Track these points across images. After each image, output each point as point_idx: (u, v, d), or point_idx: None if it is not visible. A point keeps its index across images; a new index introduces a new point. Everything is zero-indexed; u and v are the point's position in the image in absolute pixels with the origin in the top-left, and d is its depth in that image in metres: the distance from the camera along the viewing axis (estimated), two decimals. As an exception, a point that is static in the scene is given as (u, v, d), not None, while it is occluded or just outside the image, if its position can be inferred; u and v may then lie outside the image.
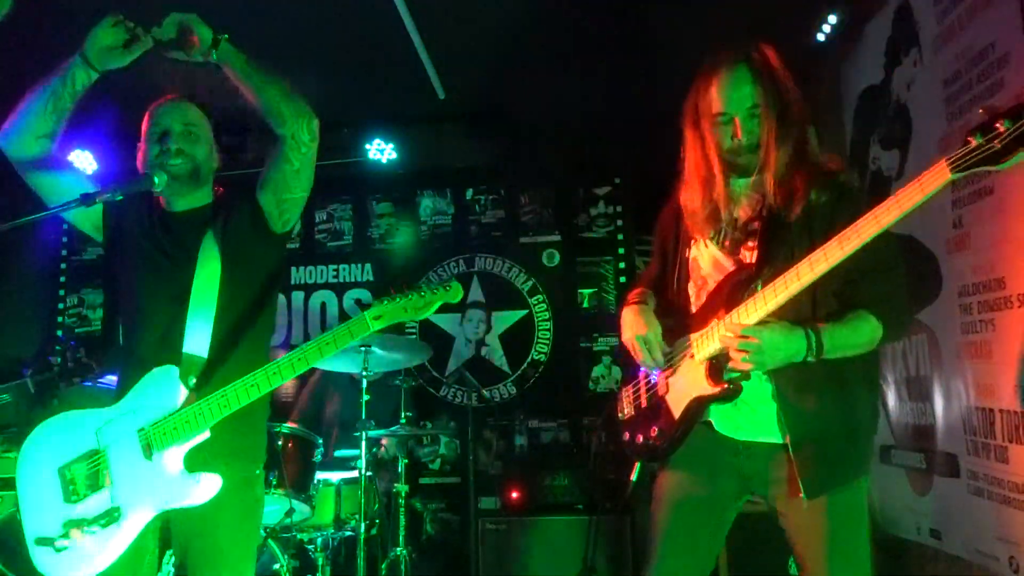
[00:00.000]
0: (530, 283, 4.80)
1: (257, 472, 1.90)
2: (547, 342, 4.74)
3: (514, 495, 4.03)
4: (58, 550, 1.70)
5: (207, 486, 1.72)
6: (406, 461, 3.62)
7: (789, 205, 1.63)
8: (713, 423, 1.71)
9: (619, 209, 4.83)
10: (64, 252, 5.09)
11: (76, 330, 4.94)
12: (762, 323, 1.55)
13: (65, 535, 1.70)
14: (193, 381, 1.75)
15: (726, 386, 1.62)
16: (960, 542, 2.47)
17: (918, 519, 2.78)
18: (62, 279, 5.07)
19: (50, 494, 1.75)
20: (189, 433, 1.71)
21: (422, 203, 4.98)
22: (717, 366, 1.64)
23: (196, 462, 1.73)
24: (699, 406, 1.67)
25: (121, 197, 1.79)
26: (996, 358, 2.22)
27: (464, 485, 4.55)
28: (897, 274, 1.64)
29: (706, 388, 1.65)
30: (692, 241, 1.81)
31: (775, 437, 1.64)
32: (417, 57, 3.85)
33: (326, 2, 3.45)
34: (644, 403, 1.81)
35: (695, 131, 1.75)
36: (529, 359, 4.74)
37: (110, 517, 1.70)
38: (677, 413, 1.70)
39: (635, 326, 1.79)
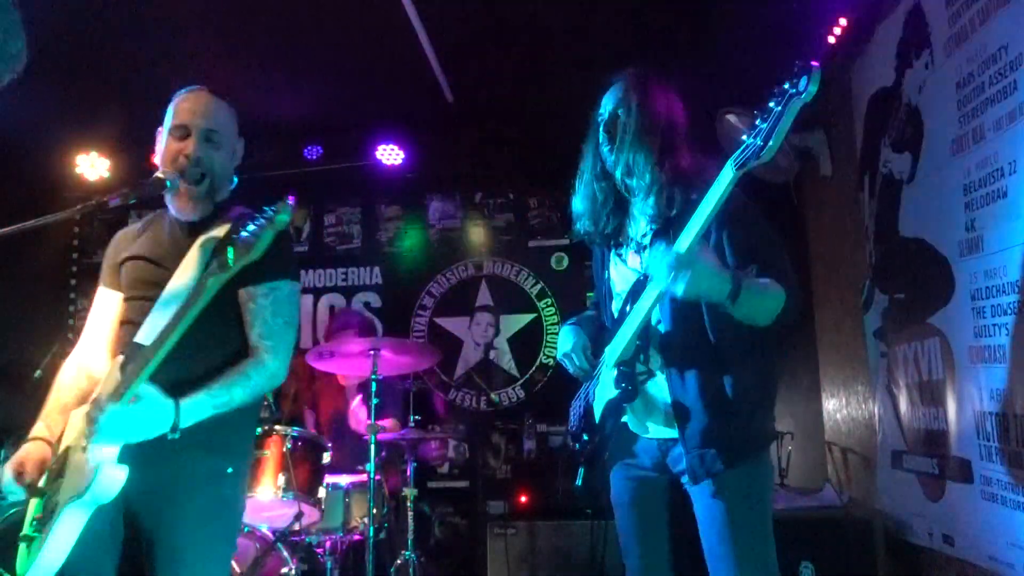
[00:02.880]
0: (539, 287, 4.80)
1: (228, 470, 1.75)
2: (555, 346, 4.73)
3: (523, 499, 4.02)
4: (27, 546, 1.65)
5: (110, 477, 1.57)
6: (415, 464, 3.61)
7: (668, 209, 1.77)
8: (628, 424, 1.86)
9: (628, 212, 4.82)
10: (75, 255, 5.12)
11: (86, 333, 4.96)
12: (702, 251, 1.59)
13: (34, 531, 1.65)
14: (126, 370, 1.63)
15: (623, 387, 1.77)
16: (973, 548, 2.45)
17: (930, 525, 2.76)
18: (72, 281, 5.10)
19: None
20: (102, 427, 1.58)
21: (431, 206, 4.99)
22: (622, 371, 1.78)
23: (153, 452, 1.60)
24: (613, 408, 1.82)
25: (134, 201, 1.79)
26: (1010, 362, 2.20)
27: (473, 489, 4.55)
28: (784, 257, 1.73)
29: (612, 392, 1.80)
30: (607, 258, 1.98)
31: (672, 432, 1.76)
32: (426, 60, 3.86)
33: (336, 6, 3.46)
34: (581, 412, 1.96)
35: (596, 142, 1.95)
36: (537, 363, 4.73)
37: (50, 516, 1.62)
38: (598, 417, 1.86)
39: (562, 344, 1.97)
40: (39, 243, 4.85)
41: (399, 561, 3.49)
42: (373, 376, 3.24)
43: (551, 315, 4.77)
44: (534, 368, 4.73)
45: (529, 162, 4.79)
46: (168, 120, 1.87)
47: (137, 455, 1.61)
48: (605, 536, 3.82)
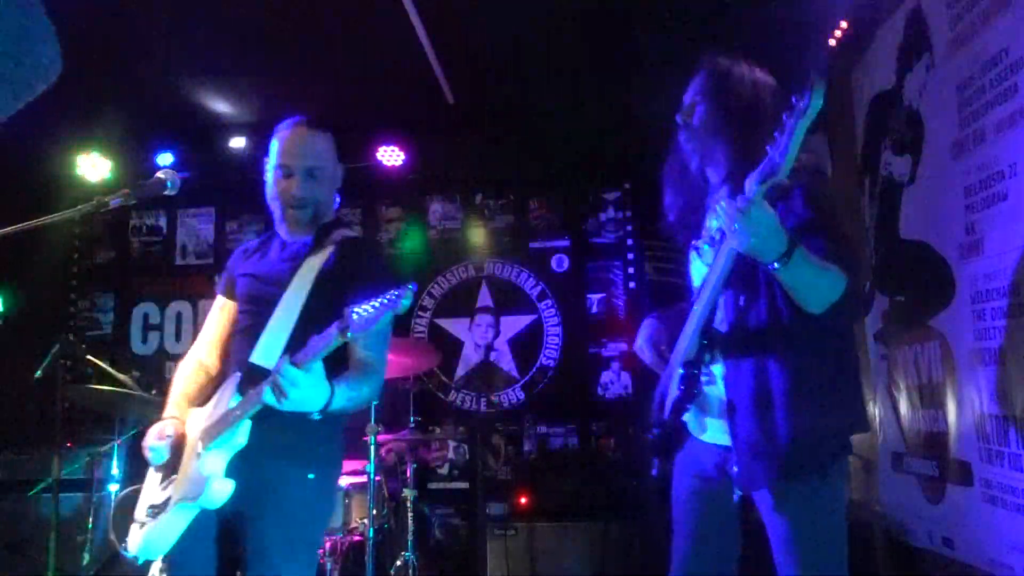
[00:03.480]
0: (539, 288, 4.80)
1: (310, 476, 1.87)
2: (556, 347, 4.74)
3: (522, 501, 4.02)
4: (139, 526, 1.89)
5: (218, 490, 1.75)
6: (415, 465, 3.61)
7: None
8: (693, 429, 1.84)
9: (628, 214, 4.83)
10: (75, 255, 5.13)
11: (87, 333, 4.97)
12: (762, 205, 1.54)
13: (148, 517, 1.87)
14: (244, 390, 1.80)
15: (683, 388, 1.74)
16: (973, 551, 2.45)
17: (930, 527, 2.76)
18: (73, 282, 5.10)
19: (152, 482, 1.95)
20: (228, 438, 1.77)
21: (431, 208, 4.99)
22: (686, 371, 1.75)
23: (246, 460, 1.78)
24: (675, 407, 1.80)
25: (135, 201, 1.80)
26: (1010, 365, 2.20)
27: (472, 490, 4.55)
28: (852, 253, 1.67)
29: (675, 391, 1.78)
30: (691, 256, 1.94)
31: (726, 440, 1.74)
32: (427, 62, 3.86)
33: (337, 7, 3.47)
34: (656, 405, 1.93)
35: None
36: (538, 364, 4.73)
37: (163, 508, 1.82)
38: (667, 413, 1.83)
39: (640, 336, 1.96)
40: (40, 243, 4.85)
41: (399, 562, 3.48)
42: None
43: (551, 316, 4.76)
44: (534, 370, 4.73)
45: (530, 164, 4.80)
46: (272, 156, 2.05)
47: (231, 462, 1.79)
48: (604, 538, 3.82)
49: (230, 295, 2.10)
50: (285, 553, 1.81)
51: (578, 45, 3.83)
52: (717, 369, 1.77)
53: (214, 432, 1.79)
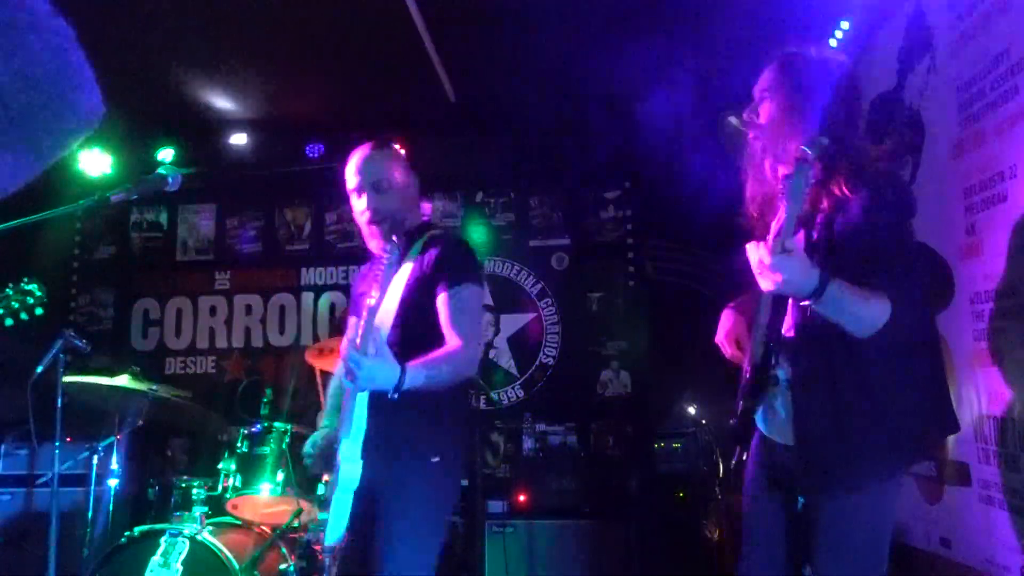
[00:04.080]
0: (539, 286, 4.81)
1: (434, 459, 2.02)
2: (555, 346, 4.74)
3: (521, 498, 4.03)
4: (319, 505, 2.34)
5: (347, 472, 1.97)
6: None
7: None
8: (758, 423, 1.86)
9: (629, 213, 4.83)
10: (76, 251, 5.13)
11: (88, 328, 4.97)
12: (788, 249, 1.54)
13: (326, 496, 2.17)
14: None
15: (751, 389, 1.78)
16: (970, 551, 2.45)
17: (928, 527, 2.76)
18: (74, 277, 5.11)
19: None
20: (354, 429, 2.01)
21: (432, 205, 4.99)
22: (754, 374, 1.78)
23: (376, 447, 2.00)
24: (747, 401, 1.84)
25: (136, 197, 1.81)
26: (1008, 366, 2.21)
27: (471, 488, 4.55)
28: (902, 267, 1.66)
29: (742, 394, 1.82)
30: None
31: (787, 439, 1.76)
32: (428, 60, 3.86)
33: (338, 5, 3.47)
34: (739, 398, 1.96)
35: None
36: (537, 362, 4.73)
37: (328, 501, 2.08)
38: (742, 403, 1.87)
39: (719, 329, 2.02)
40: (40, 238, 4.86)
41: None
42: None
43: (551, 315, 4.77)
44: (534, 368, 4.73)
45: (530, 162, 4.80)
46: (347, 185, 2.24)
47: (364, 452, 1.99)
48: (602, 536, 3.83)
49: (353, 314, 2.32)
50: (407, 533, 1.98)
51: (580, 43, 3.83)
52: (783, 373, 1.77)
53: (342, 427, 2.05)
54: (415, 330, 2.06)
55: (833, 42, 3.36)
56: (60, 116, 0.63)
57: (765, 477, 1.87)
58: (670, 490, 4.36)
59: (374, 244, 2.21)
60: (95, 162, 4.80)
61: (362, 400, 2.02)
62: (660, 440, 4.48)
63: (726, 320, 2.02)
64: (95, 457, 3.23)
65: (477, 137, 4.78)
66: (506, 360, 4.76)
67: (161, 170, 1.88)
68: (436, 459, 2.03)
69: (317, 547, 3.23)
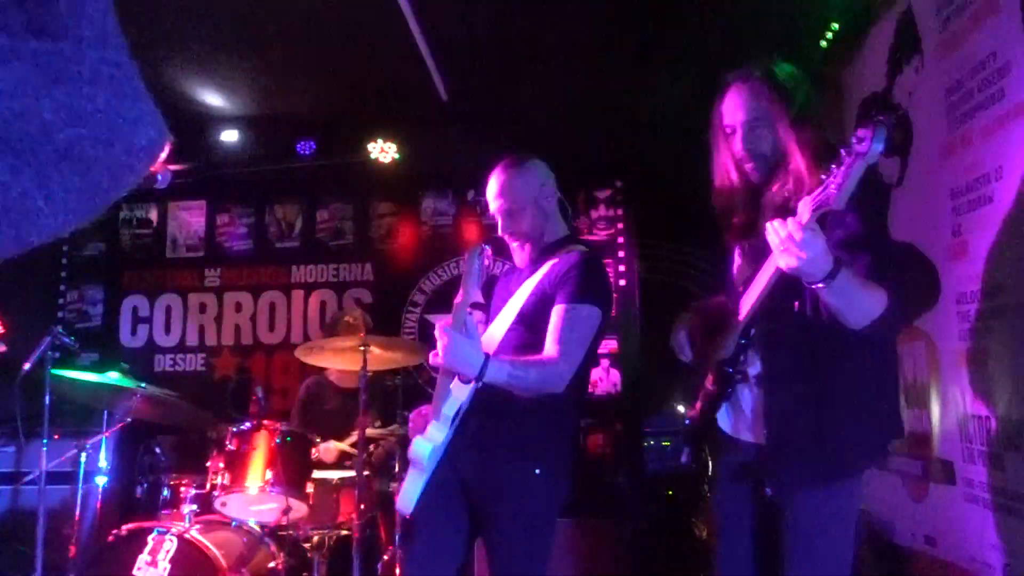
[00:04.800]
0: (530, 285, 4.80)
1: (536, 471, 2.05)
2: (546, 344, 4.74)
3: (511, 496, 4.03)
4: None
5: (417, 447, 2.02)
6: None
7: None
8: (721, 423, 1.89)
9: (620, 212, 4.84)
10: (65, 247, 5.11)
11: (76, 325, 4.95)
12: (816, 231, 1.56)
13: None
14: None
15: (718, 386, 1.81)
16: (955, 549, 2.48)
17: (913, 525, 2.79)
18: (63, 274, 5.08)
19: None
20: (444, 414, 2.06)
21: (423, 203, 4.99)
22: (721, 370, 1.80)
23: (482, 452, 2.08)
24: (711, 403, 1.86)
25: (125, 193, 1.80)
26: (992, 366, 2.23)
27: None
28: (897, 269, 1.75)
29: (710, 387, 1.84)
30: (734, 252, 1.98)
31: (757, 437, 1.78)
32: (420, 57, 3.86)
33: (330, 3, 3.46)
34: (695, 396, 1.99)
35: (716, 138, 1.90)
36: (528, 361, 4.73)
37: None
38: (700, 404, 1.90)
39: (678, 331, 2.03)
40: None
41: (386, 557, 3.49)
42: (362, 372, 3.24)
43: (542, 313, 4.77)
44: (524, 366, 4.73)
45: (522, 161, 4.80)
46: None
47: (467, 450, 2.06)
48: (593, 535, 3.84)
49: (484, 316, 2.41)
50: (517, 550, 2.05)
51: (572, 42, 3.84)
52: (752, 370, 1.80)
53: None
54: (527, 338, 2.11)
55: (824, 43, 3.38)
56: (113, 149, 0.61)
57: (731, 476, 1.90)
58: (660, 489, 4.37)
59: (516, 259, 2.33)
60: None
61: (458, 393, 2.04)
62: (650, 439, 4.49)
63: (679, 322, 2.04)
64: (83, 455, 3.22)
65: (469, 135, 4.78)
66: (497, 358, 4.75)
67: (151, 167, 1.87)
68: (539, 472, 2.06)
69: (305, 544, 3.23)
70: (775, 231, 1.54)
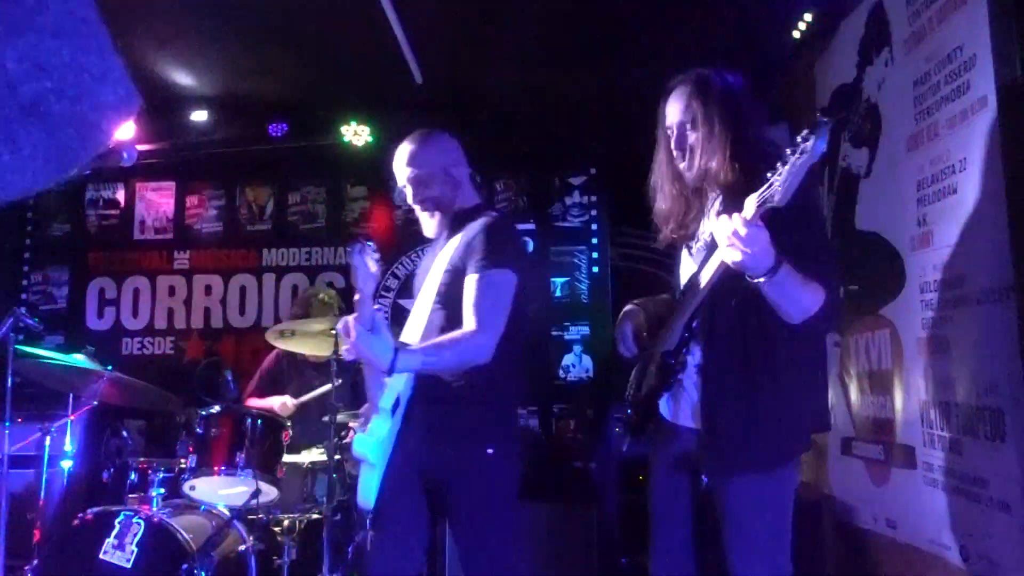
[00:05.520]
0: (503, 271, 4.81)
1: (489, 451, 2.04)
2: (519, 330, 4.76)
3: (482, 481, 4.05)
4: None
5: (357, 441, 2.05)
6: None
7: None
8: (661, 411, 1.93)
9: (594, 199, 4.86)
10: (29, 227, 5.00)
11: (40, 307, 4.86)
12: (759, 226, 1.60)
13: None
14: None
15: (660, 376, 1.87)
16: (915, 532, 2.54)
17: (875, 509, 2.85)
18: (26, 255, 4.97)
19: None
20: (383, 406, 2.05)
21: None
22: (664, 361, 1.86)
23: (435, 437, 2.05)
24: (653, 393, 1.91)
25: (89, 171, 1.77)
26: (953, 353, 2.28)
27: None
28: (833, 264, 1.80)
29: (653, 378, 1.89)
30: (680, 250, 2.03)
31: (696, 424, 1.83)
32: (395, 40, 3.82)
33: (304, -19, 3.41)
34: (634, 386, 2.04)
35: (659, 138, 1.97)
36: (501, 346, 4.75)
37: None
38: (643, 394, 1.95)
39: (622, 326, 2.09)
40: (-9, 214, 4.72)
41: (356, 540, 3.49)
42: (334, 356, 3.23)
43: (515, 299, 4.78)
44: (497, 352, 4.75)
45: (496, 146, 4.78)
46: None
47: (419, 439, 2.04)
48: (564, 519, 3.87)
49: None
50: (481, 532, 2.05)
51: (547, 29, 3.83)
52: (693, 360, 1.85)
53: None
54: (448, 314, 2.08)
55: (797, 33, 3.41)
56: (80, 106, 0.59)
57: (669, 464, 1.93)
58: (631, 474, 4.42)
59: (426, 229, 2.31)
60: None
61: (395, 385, 2.03)
62: (620, 424, 4.53)
63: (623, 317, 2.09)
64: (47, 438, 3.17)
65: (443, 120, 4.73)
66: (470, 344, 4.76)
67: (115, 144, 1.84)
68: (491, 451, 2.05)
69: (275, 528, 3.22)
70: (721, 226, 1.59)
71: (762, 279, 1.60)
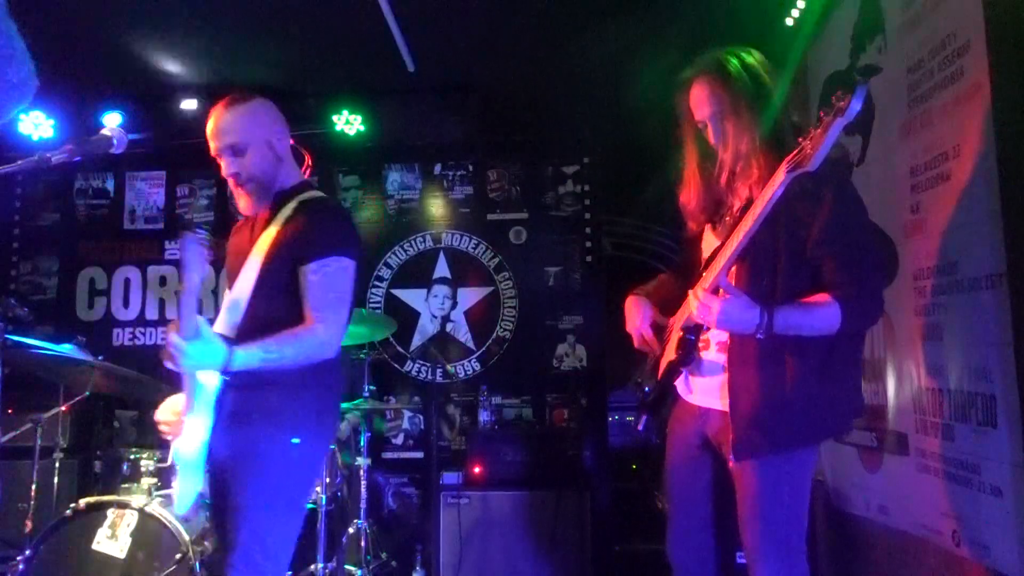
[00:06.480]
0: (497, 260, 4.81)
1: (294, 441, 1.92)
2: (512, 319, 4.76)
3: (477, 470, 4.06)
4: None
5: (184, 449, 1.90)
6: (368, 434, 3.62)
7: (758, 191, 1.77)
8: (680, 391, 1.92)
9: (587, 188, 4.85)
10: (17, 217, 4.95)
11: (30, 297, 4.82)
12: (724, 296, 1.68)
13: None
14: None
15: (680, 353, 1.84)
16: (907, 517, 2.56)
17: (867, 495, 2.87)
18: (15, 244, 4.93)
19: None
20: (198, 405, 1.93)
21: (389, 177, 4.94)
22: (685, 337, 1.85)
23: (235, 423, 1.92)
24: (672, 370, 1.89)
25: (79, 159, 1.75)
26: (946, 340, 2.29)
27: (427, 460, 4.57)
28: (864, 263, 1.77)
29: (672, 355, 1.88)
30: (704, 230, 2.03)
31: (721, 404, 1.82)
32: (387, 28, 3.79)
33: (294, -33, 3.38)
34: (651, 364, 2.04)
35: (685, 132, 1.97)
36: (494, 336, 4.75)
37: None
38: (660, 374, 1.94)
39: (628, 319, 2.06)
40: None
41: (351, 530, 3.50)
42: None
43: (508, 289, 4.78)
44: (490, 341, 4.75)
45: (489, 135, 4.77)
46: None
47: (223, 427, 1.91)
48: (556, 507, 3.89)
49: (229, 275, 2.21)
50: (265, 515, 1.87)
51: (541, 17, 3.80)
52: (715, 337, 1.84)
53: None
54: (273, 304, 1.93)
55: (790, 20, 3.40)
56: None
57: (687, 444, 1.94)
58: (624, 462, 4.44)
59: (242, 205, 2.09)
60: (37, 125, 4.61)
61: (215, 378, 1.90)
62: (614, 413, 4.55)
63: (634, 308, 2.06)
64: (39, 429, 3.15)
65: (436, 109, 4.72)
66: (463, 334, 4.76)
67: (105, 131, 1.81)
68: (297, 441, 1.91)
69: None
70: (697, 304, 1.65)
71: (760, 335, 1.64)
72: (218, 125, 2.05)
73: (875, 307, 1.78)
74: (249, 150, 2.03)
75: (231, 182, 2.07)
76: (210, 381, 1.91)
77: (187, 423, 1.91)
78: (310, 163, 2.23)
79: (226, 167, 2.05)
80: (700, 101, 1.88)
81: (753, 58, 1.89)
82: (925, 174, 2.40)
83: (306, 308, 1.90)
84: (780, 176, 1.56)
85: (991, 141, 2.04)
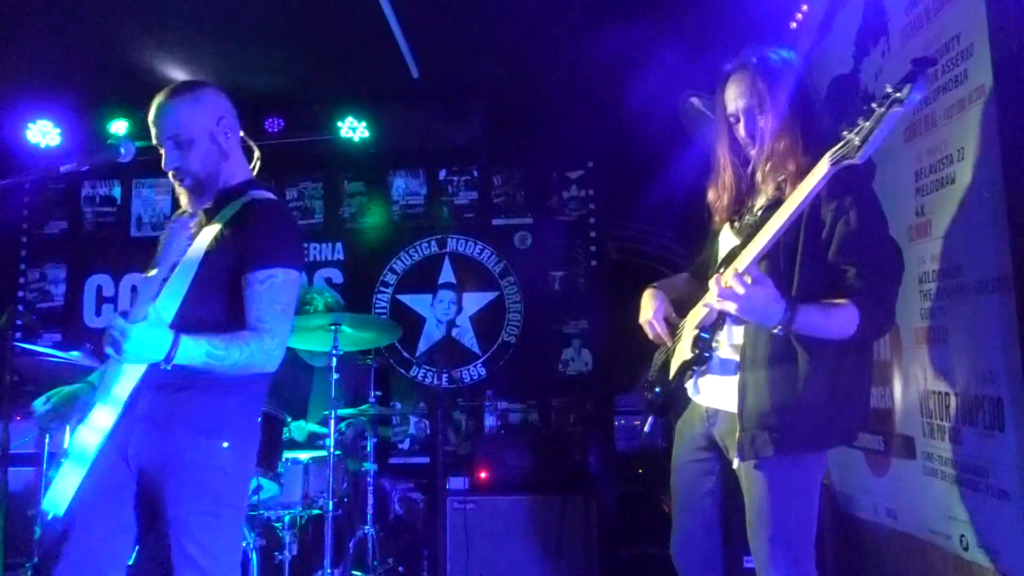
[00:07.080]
0: (501, 265, 4.81)
1: (224, 445, 1.85)
2: (517, 324, 4.77)
3: (483, 475, 4.07)
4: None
5: (83, 443, 1.79)
6: (375, 440, 3.62)
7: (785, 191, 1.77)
8: (689, 392, 1.91)
9: (591, 193, 4.85)
10: (24, 225, 4.98)
11: (38, 305, 4.84)
12: (756, 280, 1.63)
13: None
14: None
15: (697, 352, 1.82)
16: (914, 521, 2.55)
17: (875, 499, 2.86)
18: (23, 252, 4.96)
19: None
20: (112, 398, 1.81)
21: (394, 183, 4.95)
22: (701, 336, 1.83)
23: (160, 428, 1.82)
24: (685, 369, 1.88)
25: (87, 168, 1.77)
26: (952, 343, 2.28)
27: (433, 465, 4.57)
28: (886, 276, 1.79)
29: (687, 354, 1.85)
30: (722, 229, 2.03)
31: (731, 406, 1.81)
32: (391, 35, 3.81)
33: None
34: (660, 364, 2.04)
35: (718, 127, 1.97)
36: (499, 341, 4.76)
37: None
38: (671, 374, 1.92)
39: (643, 310, 2.05)
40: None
41: (358, 535, 3.50)
42: (333, 352, 3.23)
43: (513, 294, 4.79)
44: (496, 346, 4.75)
45: (493, 140, 4.78)
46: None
47: (142, 431, 1.81)
48: (562, 512, 3.89)
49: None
50: (208, 524, 1.80)
51: (545, 23, 3.81)
52: (731, 338, 1.83)
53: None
54: (211, 305, 1.85)
55: (793, 24, 3.40)
56: None
57: (695, 445, 1.93)
58: (630, 466, 4.43)
59: (183, 200, 2.00)
60: (45, 134, 4.64)
61: (132, 371, 1.78)
62: (620, 417, 4.54)
63: (650, 300, 2.06)
64: (47, 436, 3.17)
65: (440, 115, 4.74)
66: (468, 339, 4.77)
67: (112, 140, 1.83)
68: (227, 445, 1.84)
69: (276, 524, 3.23)
70: (721, 289, 1.60)
71: (780, 329, 1.62)
72: (159, 116, 1.93)
73: (888, 319, 1.78)
74: (191, 145, 1.92)
75: (171, 175, 1.95)
76: (135, 372, 1.78)
77: (97, 411, 1.79)
78: (259, 158, 2.15)
79: (167, 160, 1.93)
80: (738, 93, 1.87)
81: (792, 57, 1.91)
82: (929, 177, 2.40)
83: (251, 316, 1.81)
84: (824, 168, 1.52)
85: (995, 144, 2.03)
